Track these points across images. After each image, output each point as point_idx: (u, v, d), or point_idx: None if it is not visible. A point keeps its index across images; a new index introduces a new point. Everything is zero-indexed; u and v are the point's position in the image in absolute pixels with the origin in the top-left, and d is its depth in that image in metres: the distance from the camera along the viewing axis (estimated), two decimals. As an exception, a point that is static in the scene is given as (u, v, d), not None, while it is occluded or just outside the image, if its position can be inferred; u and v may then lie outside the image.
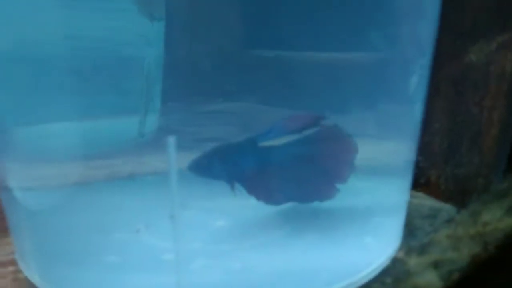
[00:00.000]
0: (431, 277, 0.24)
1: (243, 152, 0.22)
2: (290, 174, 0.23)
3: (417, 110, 0.25)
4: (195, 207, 0.23)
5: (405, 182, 0.27)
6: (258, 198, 0.22)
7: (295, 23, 0.20)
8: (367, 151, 0.23)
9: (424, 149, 0.32)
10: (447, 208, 0.31)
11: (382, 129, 0.24)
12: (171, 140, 0.19)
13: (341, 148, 0.23)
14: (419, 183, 0.34)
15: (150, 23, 0.22)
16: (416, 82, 0.23)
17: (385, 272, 0.24)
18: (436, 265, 0.25)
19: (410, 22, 0.22)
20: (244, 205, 0.24)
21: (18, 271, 0.25)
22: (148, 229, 0.23)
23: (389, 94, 0.23)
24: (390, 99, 0.23)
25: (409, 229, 0.28)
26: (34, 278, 0.24)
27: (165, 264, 0.22)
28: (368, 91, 0.22)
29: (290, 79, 0.21)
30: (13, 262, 0.26)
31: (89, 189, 0.24)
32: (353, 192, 0.24)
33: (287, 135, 0.22)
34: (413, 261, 0.25)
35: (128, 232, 0.24)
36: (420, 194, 0.34)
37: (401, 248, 0.27)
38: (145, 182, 0.24)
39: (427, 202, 0.33)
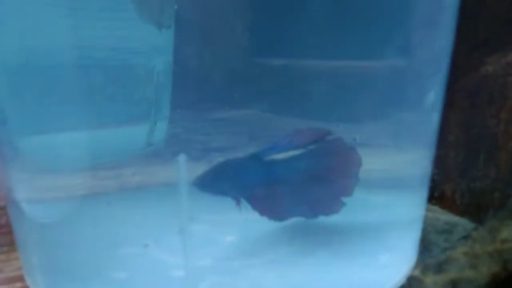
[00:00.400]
0: (449, 296, 0.23)
1: (247, 167, 0.21)
2: (293, 189, 0.22)
3: (434, 120, 0.24)
4: (204, 221, 0.22)
5: (422, 196, 0.26)
6: (262, 213, 0.22)
7: (308, 31, 0.19)
8: (382, 163, 0.23)
9: (438, 162, 0.31)
10: (462, 223, 0.31)
11: (398, 140, 0.23)
12: (182, 157, 0.18)
13: (345, 161, 0.22)
14: (434, 196, 0.33)
15: (159, 31, 0.21)
16: (433, 93, 0.23)
17: (400, 291, 0.24)
18: (454, 284, 0.24)
19: (426, 31, 0.22)
20: (253, 220, 0.23)
21: (26, 287, 0.25)
22: (156, 243, 0.23)
23: (404, 104, 0.22)
24: (406, 109, 0.22)
25: (424, 245, 0.28)
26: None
27: (174, 282, 0.22)
28: (382, 101, 0.22)
29: (303, 88, 0.21)
30: (21, 278, 0.25)
31: (97, 201, 0.23)
32: (367, 207, 0.24)
33: (292, 150, 0.22)
34: (430, 280, 0.25)
35: (136, 247, 0.23)
36: (435, 207, 0.33)
37: (417, 265, 0.26)
38: (154, 193, 0.24)
39: (442, 216, 0.32)
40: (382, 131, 0.22)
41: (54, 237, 0.24)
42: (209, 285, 0.22)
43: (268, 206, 0.22)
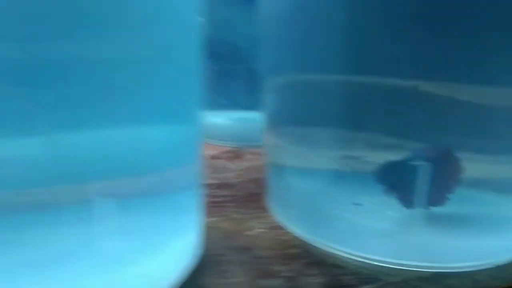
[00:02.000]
0: None
1: (399, 168, 0.30)
2: (420, 187, 0.30)
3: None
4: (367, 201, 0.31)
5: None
6: (406, 206, 0.30)
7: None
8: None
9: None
10: None
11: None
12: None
13: (451, 168, 0.29)
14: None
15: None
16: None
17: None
18: None
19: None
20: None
21: (286, 233, 0.35)
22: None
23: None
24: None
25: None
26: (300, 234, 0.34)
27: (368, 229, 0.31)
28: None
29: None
30: (279, 227, 0.36)
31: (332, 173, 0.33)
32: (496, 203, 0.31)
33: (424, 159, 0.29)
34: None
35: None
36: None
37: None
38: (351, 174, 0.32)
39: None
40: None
41: (309, 196, 0.34)
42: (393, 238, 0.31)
43: (406, 198, 0.30)
